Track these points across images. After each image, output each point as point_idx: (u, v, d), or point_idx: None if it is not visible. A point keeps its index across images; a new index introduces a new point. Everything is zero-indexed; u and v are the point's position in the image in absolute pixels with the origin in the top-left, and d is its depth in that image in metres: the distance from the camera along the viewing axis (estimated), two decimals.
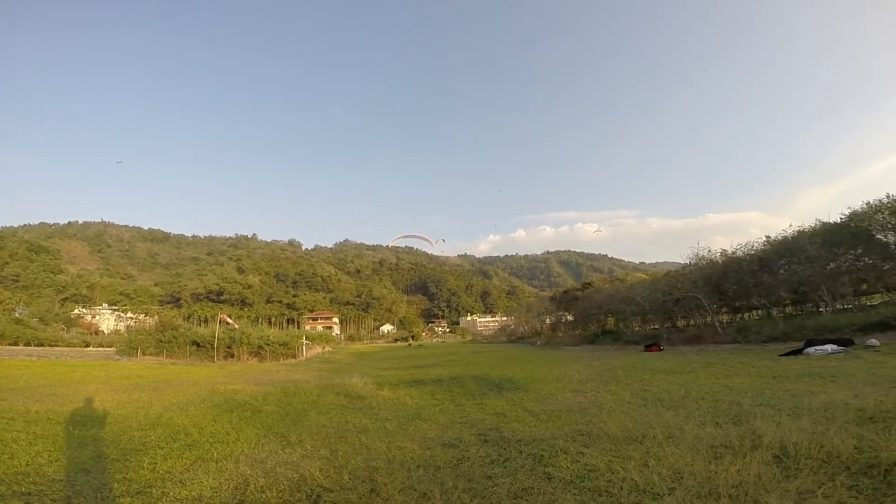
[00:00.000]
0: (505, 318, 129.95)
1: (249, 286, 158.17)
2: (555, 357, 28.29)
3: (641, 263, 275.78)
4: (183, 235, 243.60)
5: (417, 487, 4.31)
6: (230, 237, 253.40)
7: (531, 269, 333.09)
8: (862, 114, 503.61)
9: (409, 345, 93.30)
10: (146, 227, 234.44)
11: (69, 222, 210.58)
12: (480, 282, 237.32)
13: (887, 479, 3.40)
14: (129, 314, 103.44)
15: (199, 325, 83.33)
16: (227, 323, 48.97)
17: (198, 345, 37.95)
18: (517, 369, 17.77)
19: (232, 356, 37.33)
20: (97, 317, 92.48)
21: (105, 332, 76.14)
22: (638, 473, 4.03)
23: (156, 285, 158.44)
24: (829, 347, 14.97)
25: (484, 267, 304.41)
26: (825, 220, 27.84)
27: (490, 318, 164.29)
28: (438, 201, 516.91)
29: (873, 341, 15.25)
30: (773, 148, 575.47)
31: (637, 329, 43.55)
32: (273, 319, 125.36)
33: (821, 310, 26.58)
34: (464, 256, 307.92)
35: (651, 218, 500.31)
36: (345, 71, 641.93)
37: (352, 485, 4.57)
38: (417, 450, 5.78)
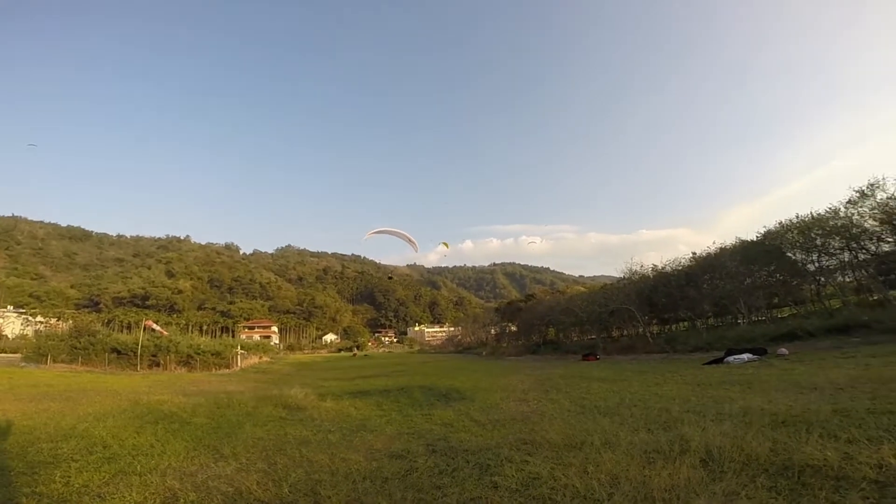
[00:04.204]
0: (453, 329, 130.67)
1: (179, 291, 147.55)
2: (500, 367, 28.73)
3: (581, 277, 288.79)
4: (106, 234, 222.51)
5: (364, 500, 4.21)
6: (160, 238, 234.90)
7: (478, 280, 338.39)
8: (778, 140, 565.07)
9: (354, 355, 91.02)
10: (64, 224, 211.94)
11: None
12: (429, 292, 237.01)
13: (801, 480, 3.70)
14: (39, 318, 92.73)
15: (121, 331, 76.70)
16: (154, 330, 45.17)
17: (118, 352, 34.89)
18: (464, 379, 17.87)
19: (157, 365, 34.67)
20: (0, 320, 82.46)
21: (9, 336, 68.36)
22: (579, 480, 4.13)
23: (72, 287, 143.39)
24: (746, 356, 16.35)
25: (433, 277, 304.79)
26: (744, 237, 30.66)
27: (438, 329, 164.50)
28: (388, 210, 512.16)
29: (783, 350, 16.83)
30: (700, 169, 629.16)
31: (576, 339, 45.36)
32: (205, 327, 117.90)
33: (739, 321, 29.01)
34: (413, 266, 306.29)
35: (590, 233, 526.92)
36: (295, 72, 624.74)
37: (293, 498, 4.39)
38: (363, 461, 5.63)
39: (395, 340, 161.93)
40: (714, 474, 3.98)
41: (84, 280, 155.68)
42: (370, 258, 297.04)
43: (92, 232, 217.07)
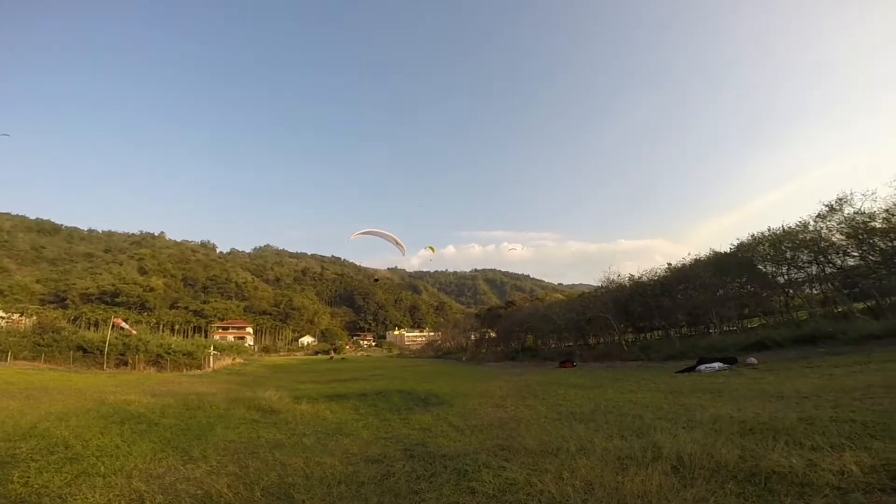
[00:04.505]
0: (433, 334, 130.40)
1: (151, 289, 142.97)
2: (478, 373, 28.78)
3: (560, 284, 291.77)
4: (77, 228, 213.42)
5: None
6: (134, 234, 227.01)
7: (459, 285, 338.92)
8: (751, 153, 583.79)
9: (332, 358, 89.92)
10: (33, 217, 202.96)
11: None
12: (409, 296, 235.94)
13: (768, 486, 3.80)
14: (0, 313, 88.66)
15: (88, 329, 74.03)
16: (122, 328, 43.75)
17: (84, 350, 33.72)
18: (443, 384, 17.86)
19: (125, 364, 33.67)
20: None
21: None
22: (554, 486, 4.16)
23: (37, 282, 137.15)
24: (717, 365, 16.79)
25: (414, 281, 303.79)
26: (718, 249, 31.59)
27: (418, 333, 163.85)
28: (371, 213, 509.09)
29: (752, 360, 17.35)
30: (677, 181, 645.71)
31: (553, 346, 45.84)
32: (177, 327, 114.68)
33: (711, 331, 29.83)
34: (394, 270, 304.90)
35: (570, 241, 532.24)
36: (277, 70, 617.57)
37: (265, 502, 4.31)
38: (339, 466, 5.55)
39: (373, 344, 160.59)
40: (685, 481, 4.05)
41: (51, 275, 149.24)
42: (350, 260, 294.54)
43: (62, 226, 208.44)
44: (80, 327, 59.55)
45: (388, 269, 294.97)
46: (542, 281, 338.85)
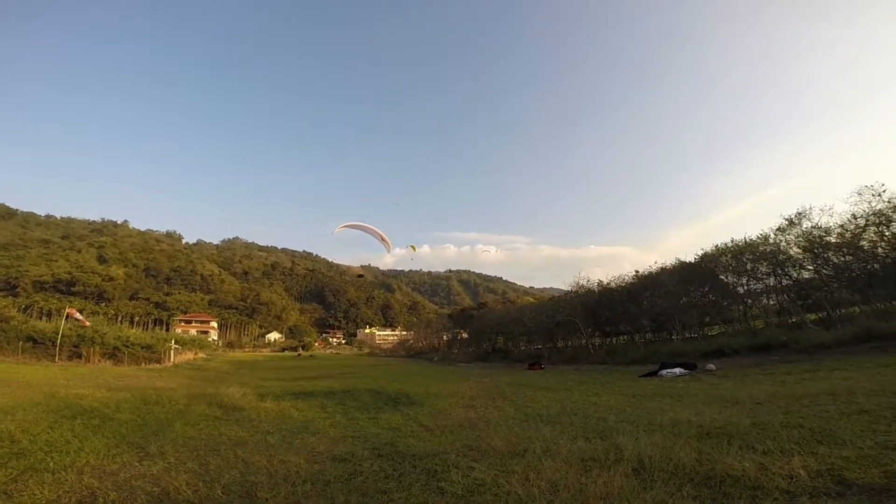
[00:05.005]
0: (405, 333, 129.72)
1: (111, 279, 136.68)
2: (450, 373, 28.81)
3: (531, 288, 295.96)
4: (33, 213, 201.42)
5: (304, 503, 4.09)
6: (95, 221, 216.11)
7: (433, 285, 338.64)
8: (718, 167, 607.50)
9: (299, 355, 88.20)
10: None
11: None
12: (382, 295, 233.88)
13: (722, 490, 3.96)
14: None
15: (40, 318, 70.36)
16: (77, 319, 41.65)
17: (35, 341, 31.91)
18: (413, 384, 17.78)
19: (79, 357, 31.98)
20: None
21: None
22: (521, 487, 4.21)
23: None
24: (678, 370, 17.36)
25: (387, 280, 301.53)
26: (683, 258, 32.63)
27: (390, 332, 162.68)
28: (344, 209, 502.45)
29: (711, 366, 18.00)
30: (648, 191, 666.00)
31: (523, 348, 46.33)
32: (137, 319, 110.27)
33: (673, 337, 30.77)
34: (367, 268, 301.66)
35: (543, 245, 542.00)
36: (253, 60, 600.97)
37: (226, 500, 4.20)
38: (304, 464, 5.46)
39: (344, 342, 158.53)
40: (645, 483, 4.18)
41: (2, 260, 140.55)
42: (322, 256, 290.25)
43: (17, 210, 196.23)
44: (31, 317, 56.29)
45: (362, 266, 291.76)
46: (514, 283, 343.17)
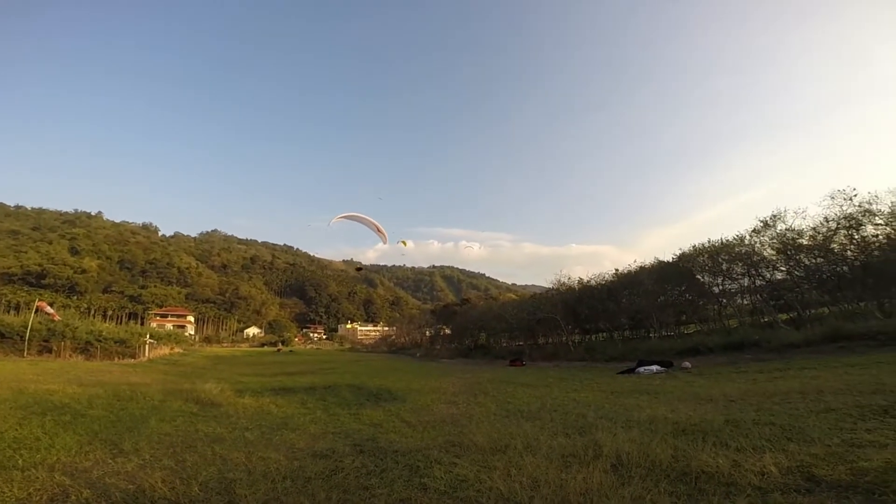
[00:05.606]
0: (387, 329, 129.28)
1: (83, 271, 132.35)
2: (432, 369, 28.87)
3: (513, 285, 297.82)
4: (2, 204, 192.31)
5: (284, 500, 4.02)
6: (67, 212, 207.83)
7: (417, 281, 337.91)
8: (697, 168, 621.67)
9: (279, 350, 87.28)
10: None
11: None
12: (364, 290, 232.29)
13: (697, 486, 4.04)
14: None
15: (9, 312, 68.16)
16: (47, 313, 40.26)
17: (2, 335, 30.98)
18: (395, 380, 17.74)
19: (49, 351, 31.11)
20: None
21: None
22: (502, 483, 4.23)
23: None
24: (655, 368, 17.72)
25: (370, 275, 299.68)
26: (661, 258, 33.30)
27: (372, 328, 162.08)
28: (328, 202, 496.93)
29: (687, 364, 18.43)
30: (629, 190, 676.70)
31: (505, 345, 46.71)
32: (110, 313, 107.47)
33: (650, 335, 31.45)
34: (349, 262, 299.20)
35: (525, 243, 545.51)
36: (235, 52, 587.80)
37: (204, 497, 4.10)
38: (284, 461, 5.38)
39: (324, 337, 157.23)
40: (623, 479, 4.24)
41: None
42: (304, 250, 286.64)
43: None
44: None
45: (343, 260, 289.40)
46: (496, 280, 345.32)
